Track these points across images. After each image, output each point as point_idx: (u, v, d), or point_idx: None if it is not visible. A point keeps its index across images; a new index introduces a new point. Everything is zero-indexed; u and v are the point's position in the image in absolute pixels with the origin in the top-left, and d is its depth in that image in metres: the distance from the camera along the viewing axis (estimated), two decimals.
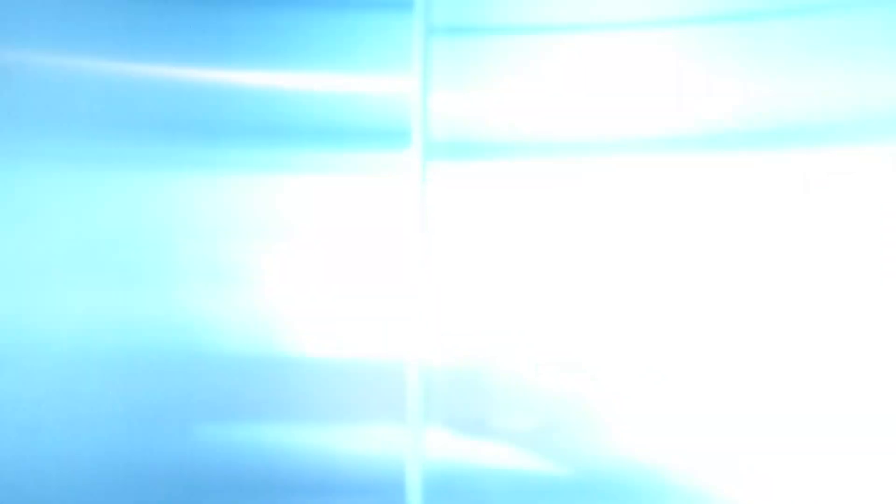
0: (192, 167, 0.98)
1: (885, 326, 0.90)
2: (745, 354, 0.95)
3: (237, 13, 0.99)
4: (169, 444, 0.97)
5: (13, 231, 0.97)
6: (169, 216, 0.97)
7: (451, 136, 1.03)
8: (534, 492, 0.99)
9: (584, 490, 0.99)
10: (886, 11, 0.94)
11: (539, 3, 1.04)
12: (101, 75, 0.96)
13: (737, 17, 0.98)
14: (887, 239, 0.92)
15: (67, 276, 0.97)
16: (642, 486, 0.99)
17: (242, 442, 0.98)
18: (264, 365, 0.99)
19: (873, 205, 0.93)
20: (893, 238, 0.93)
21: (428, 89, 1.02)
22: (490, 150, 1.02)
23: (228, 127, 0.98)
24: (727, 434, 0.95)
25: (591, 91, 1.02)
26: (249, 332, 0.99)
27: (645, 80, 1.00)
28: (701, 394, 0.95)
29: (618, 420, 0.98)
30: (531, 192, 1.01)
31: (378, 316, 1.00)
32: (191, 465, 0.96)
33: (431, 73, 1.02)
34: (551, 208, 1.02)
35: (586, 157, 1.02)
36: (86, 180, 0.98)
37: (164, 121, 0.97)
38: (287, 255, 0.99)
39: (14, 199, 0.97)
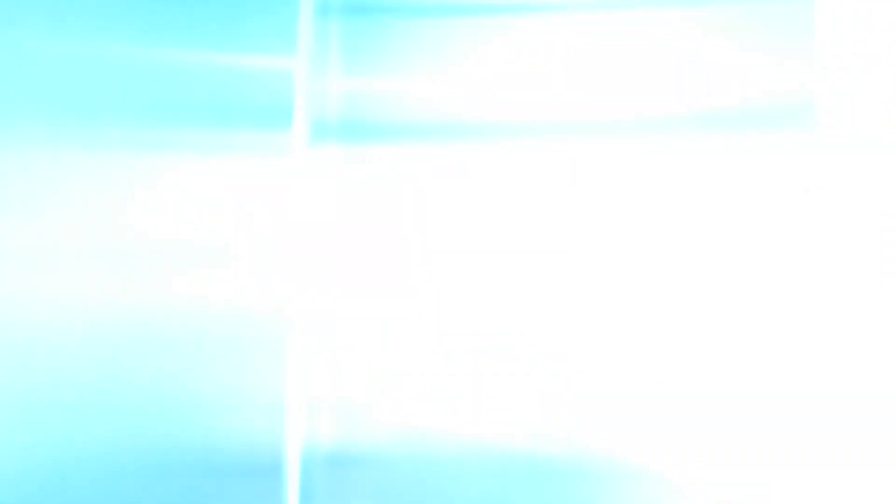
0: (74, 146, 0.95)
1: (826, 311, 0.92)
2: (684, 344, 0.96)
3: None
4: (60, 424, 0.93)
5: None
6: (50, 195, 0.94)
7: (345, 118, 1.02)
8: (413, 473, 0.99)
9: (469, 471, 1.00)
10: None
11: None
12: None
13: (635, 3, 1.00)
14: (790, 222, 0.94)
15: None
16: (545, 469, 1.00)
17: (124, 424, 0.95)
18: (144, 344, 0.97)
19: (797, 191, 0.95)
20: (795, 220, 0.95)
21: (316, 69, 1.01)
22: (386, 132, 1.01)
23: (110, 105, 0.95)
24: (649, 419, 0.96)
25: (492, 73, 1.02)
26: (124, 314, 0.96)
27: (544, 63, 1.01)
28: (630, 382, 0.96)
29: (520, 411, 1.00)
30: (428, 177, 1.01)
31: (259, 294, 0.99)
32: (76, 446, 0.93)
33: (322, 53, 1.02)
34: (448, 194, 1.03)
35: (489, 141, 1.03)
36: None
37: (47, 99, 0.93)
38: (168, 236, 0.97)
39: None
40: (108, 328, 0.94)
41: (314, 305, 1.01)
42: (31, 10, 0.92)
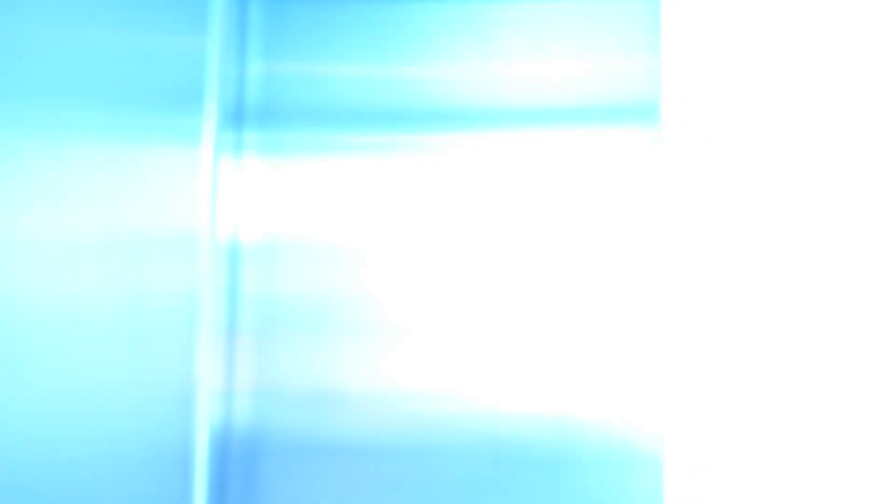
0: None
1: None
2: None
3: None
4: None
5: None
6: None
7: (264, 102, 1.01)
8: (321, 459, 0.99)
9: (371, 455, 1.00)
10: None
11: None
12: None
13: None
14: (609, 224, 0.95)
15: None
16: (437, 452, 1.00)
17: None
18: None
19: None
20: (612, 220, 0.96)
21: (232, 51, 0.99)
22: (307, 117, 1.00)
23: (9, 84, 0.92)
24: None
25: (413, 58, 1.03)
26: (25, 304, 0.93)
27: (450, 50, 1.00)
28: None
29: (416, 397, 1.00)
30: (353, 164, 1.00)
31: (168, 282, 0.97)
32: None
33: (240, 35, 0.99)
34: (373, 182, 1.02)
35: (412, 127, 1.02)
36: None
37: None
38: (71, 225, 0.94)
39: None
40: (8, 318, 0.92)
41: (229, 293, 1.00)
42: None
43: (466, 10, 0.98)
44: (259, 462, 1.00)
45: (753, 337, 0.88)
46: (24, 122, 0.86)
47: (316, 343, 0.99)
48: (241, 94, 0.99)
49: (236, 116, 0.98)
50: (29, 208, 0.89)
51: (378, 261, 0.98)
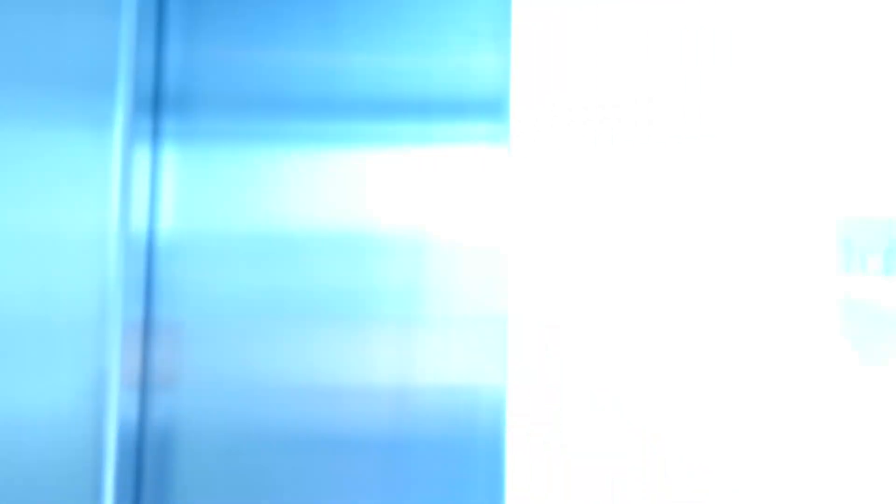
0: None
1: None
2: None
3: None
4: None
5: None
6: None
7: (185, 88, 0.97)
8: (238, 454, 0.98)
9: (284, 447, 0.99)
10: None
11: None
12: None
13: None
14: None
15: None
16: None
17: None
18: None
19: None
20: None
21: (148, 33, 0.95)
22: (231, 105, 0.97)
23: None
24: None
25: (348, 44, 0.99)
26: None
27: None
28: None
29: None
30: (281, 155, 0.97)
31: (77, 275, 0.93)
32: None
33: (159, 16, 0.95)
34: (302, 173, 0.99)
35: (347, 117, 0.99)
36: None
37: None
38: None
39: None
40: None
41: (146, 286, 0.97)
42: None
43: None
44: (174, 459, 0.97)
45: (594, 328, 0.89)
46: None
47: (235, 337, 0.97)
48: (159, 78, 0.94)
49: (153, 102, 0.94)
50: None
51: (296, 252, 0.96)
